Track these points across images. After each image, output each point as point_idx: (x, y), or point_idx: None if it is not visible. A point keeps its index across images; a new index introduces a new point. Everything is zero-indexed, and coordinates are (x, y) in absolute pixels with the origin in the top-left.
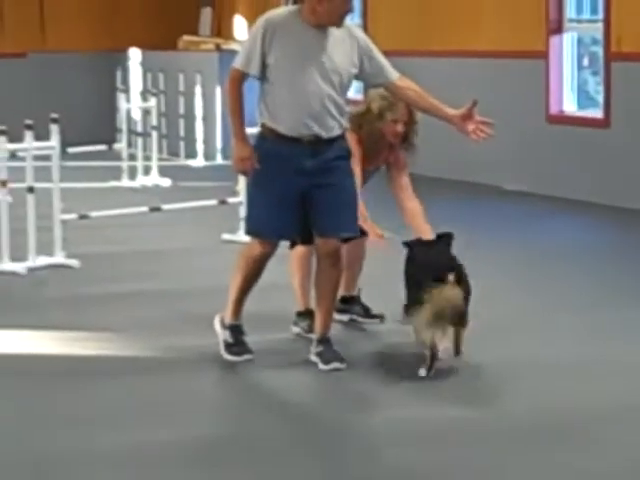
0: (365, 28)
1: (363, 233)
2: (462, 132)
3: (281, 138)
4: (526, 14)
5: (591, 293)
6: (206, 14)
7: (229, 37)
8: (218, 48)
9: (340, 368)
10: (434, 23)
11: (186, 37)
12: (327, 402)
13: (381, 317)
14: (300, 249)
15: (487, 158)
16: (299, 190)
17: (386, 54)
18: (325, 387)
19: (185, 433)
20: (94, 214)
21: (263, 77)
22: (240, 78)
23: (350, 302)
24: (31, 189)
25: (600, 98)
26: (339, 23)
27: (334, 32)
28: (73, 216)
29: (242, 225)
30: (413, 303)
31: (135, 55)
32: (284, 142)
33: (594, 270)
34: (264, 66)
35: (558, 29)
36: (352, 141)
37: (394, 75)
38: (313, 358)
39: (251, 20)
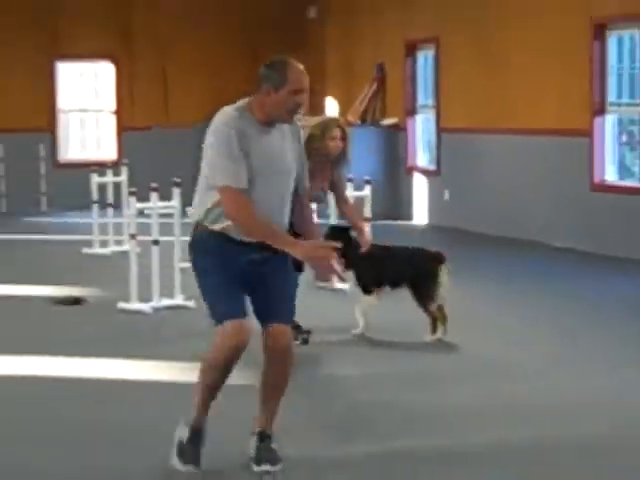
0: (438, 108)
1: None
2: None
3: (230, 240)
4: (575, 98)
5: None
6: None
7: (321, 113)
8: None
9: (271, 471)
10: (499, 105)
11: (313, 118)
12: None
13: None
14: None
15: (540, 219)
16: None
17: (457, 131)
18: None
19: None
20: None
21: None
22: (242, 194)
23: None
24: (156, 242)
25: (637, 169)
26: (288, 119)
27: (282, 127)
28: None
29: None
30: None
31: None
32: (233, 242)
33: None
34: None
35: (601, 111)
36: None
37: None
38: (250, 452)
39: (342, 101)
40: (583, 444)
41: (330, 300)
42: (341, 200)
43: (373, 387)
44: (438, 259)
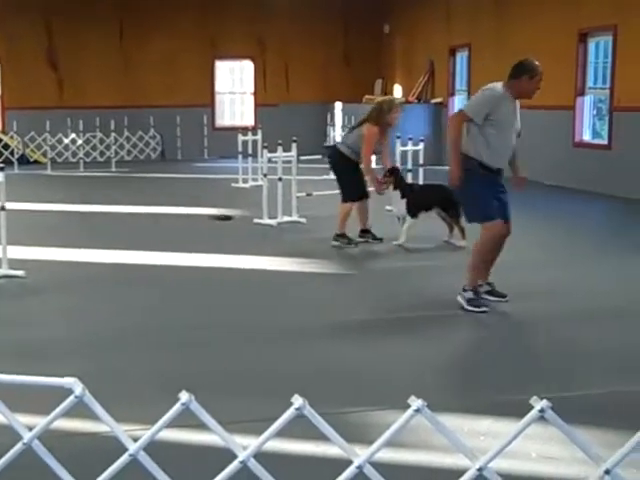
0: (469, 91)
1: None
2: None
3: (486, 168)
4: (564, 83)
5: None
6: (378, 82)
7: (391, 95)
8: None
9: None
10: None
11: (367, 96)
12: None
13: (381, 239)
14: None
15: (537, 165)
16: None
17: None
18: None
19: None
20: (315, 193)
21: (482, 126)
22: (464, 120)
23: (365, 232)
24: (280, 179)
25: (604, 133)
26: (530, 97)
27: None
28: (303, 194)
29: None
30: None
31: (338, 105)
32: (488, 170)
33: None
34: (485, 119)
35: (582, 93)
36: (371, 131)
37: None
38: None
39: (405, 87)
40: (540, 314)
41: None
42: (386, 152)
43: (406, 276)
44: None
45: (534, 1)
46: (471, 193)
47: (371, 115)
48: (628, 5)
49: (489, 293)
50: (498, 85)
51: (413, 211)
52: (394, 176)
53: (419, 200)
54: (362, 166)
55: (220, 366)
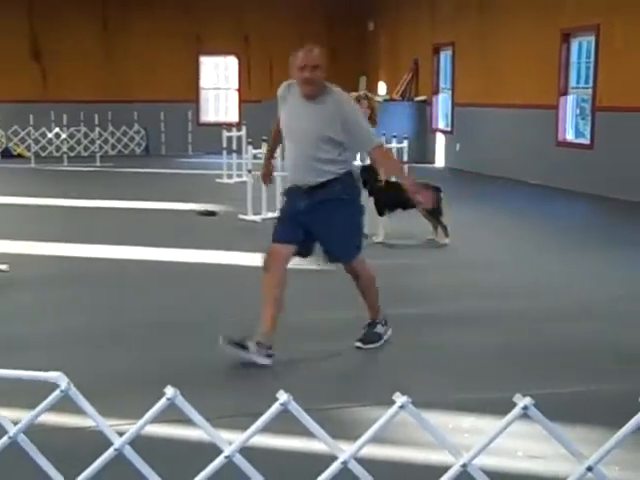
0: (453, 90)
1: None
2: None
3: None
4: (548, 83)
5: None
6: (363, 79)
7: (375, 93)
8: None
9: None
10: (494, 88)
11: (352, 93)
12: None
13: (366, 236)
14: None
15: (521, 164)
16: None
17: (465, 105)
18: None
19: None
20: None
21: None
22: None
23: None
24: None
25: (587, 132)
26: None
27: (324, 100)
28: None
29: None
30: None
31: None
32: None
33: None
34: None
35: (565, 92)
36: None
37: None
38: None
39: (389, 84)
40: (533, 314)
41: None
42: None
43: (387, 273)
44: (438, 189)
45: (518, 1)
46: (358, 223)
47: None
48: (611, 5)
49: None
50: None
51: (379, 210)
52: (365, 174)
53: (389, 199)
54: None
55: (204, 362)
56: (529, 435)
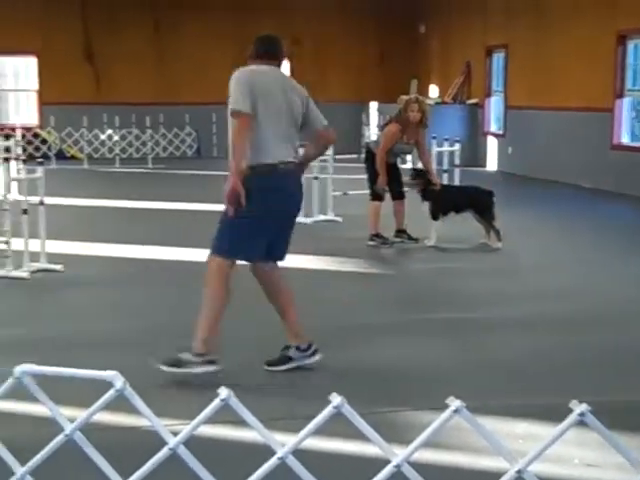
0: (505, 93)
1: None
2: None
3: None
4: (604, 86)
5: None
6: (414, 82)
7: (426, 96)
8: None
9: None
10: (550, 89)
11: (402, 96)
12: None
13: (417, 239)
14: None
15: (576, 168)
16: None
17: (519, 108)
18: None
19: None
20: (351, 192)
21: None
22: None
23: (400, 232)
24: (316, 177)
25: None
26: None
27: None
28: (339, 193)
29: None
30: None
31: (373, 105)
32: None
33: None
34: None
35: (621, 95)
36: (390, 129)
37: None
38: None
39: (441, 87)
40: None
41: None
42: (422, 152)
43: (439, 277)
44: (490, 193)
45: (572, 2)
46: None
47: (395, 114)
48: None
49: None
50: None
51: (434, 214)
52: (419, 178)
53: (444, 203)
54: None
55: (258, 364)
56: (584, 442)
